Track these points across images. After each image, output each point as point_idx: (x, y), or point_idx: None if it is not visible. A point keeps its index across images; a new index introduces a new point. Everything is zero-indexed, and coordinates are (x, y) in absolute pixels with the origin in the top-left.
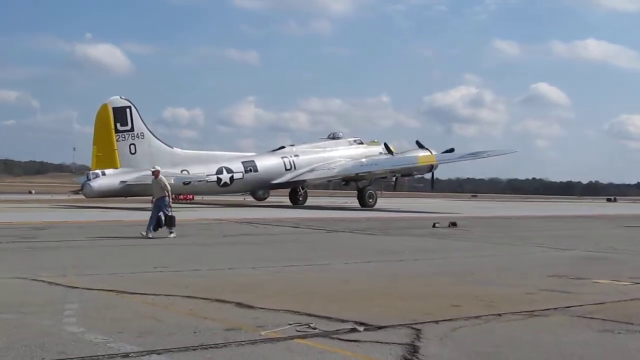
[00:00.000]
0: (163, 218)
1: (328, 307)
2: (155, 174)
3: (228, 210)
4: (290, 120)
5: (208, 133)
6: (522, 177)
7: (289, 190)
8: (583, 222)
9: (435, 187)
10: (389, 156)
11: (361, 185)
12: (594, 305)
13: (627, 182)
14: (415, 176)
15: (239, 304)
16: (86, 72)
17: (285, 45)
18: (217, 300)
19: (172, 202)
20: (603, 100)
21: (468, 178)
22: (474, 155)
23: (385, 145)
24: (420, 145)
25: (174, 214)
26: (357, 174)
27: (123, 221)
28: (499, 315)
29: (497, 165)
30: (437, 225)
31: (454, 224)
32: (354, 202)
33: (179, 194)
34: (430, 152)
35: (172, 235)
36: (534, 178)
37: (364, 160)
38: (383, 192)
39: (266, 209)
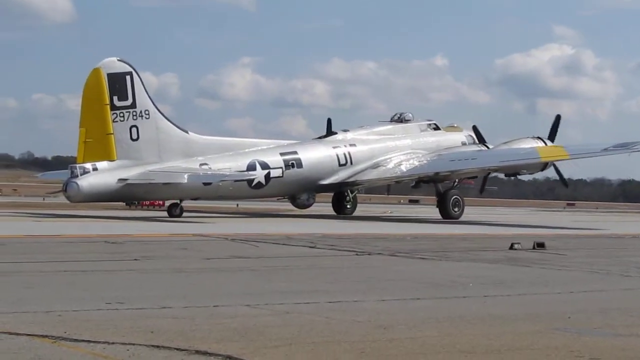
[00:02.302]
0: None
1: None
2: None
3: (216, 222)
4: (303, 92)
5: (184, 109)
6: (638, 177)
7: (332, 194)
8: None
9: (516, 191)
10: (480, 147)
11: (443, 188)
12: None
13: None
14: (521, 175)
15: (229, 358)
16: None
17: None
18: (198, 353)
19: (134, 208)
20: None
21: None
22: (624, 147)
23: (476, 130)
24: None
25: None
26: (438, 172)
27: (77, 236)
28: None
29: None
30: (516, 246)
31: (540, 245)
32: (399, 211)
33: (197, 197)
34: (544, 141)
35: None
36: None
37: (447, 152)
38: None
39: (277, 219)
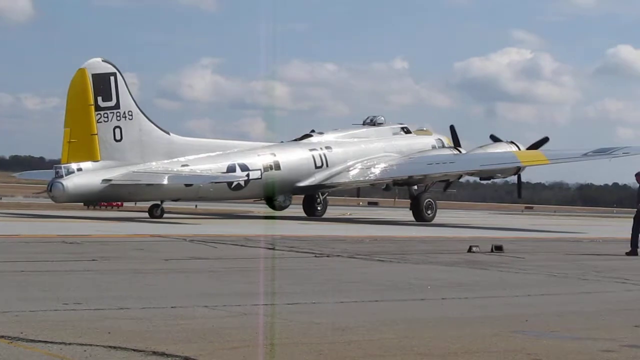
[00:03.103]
0: None
1: None
2: None
3: (175, 223)
4: (263, 93)
5: (143, 110)
6: (598, 182)
7: (302, 196)
8: None
9: (475, 194)
10: (453, 151)
11: (417, 191)
12: None
13: None
14: (494, 180)
15: None
16: None
17: None
18: (155, 354)
19: (95, 209)
20: None
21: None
22: (603, 152)
23: (453, 131)
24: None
25: None
26: (412, 176)
27: (35, 236)
28: None
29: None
30: (474, 249)
31: (498, 248)
32: (358, 213)
33: (178, 198)
34: (518, 146)
35: None
36: (615, 184)
37: (420, 155)
38: (397, 199)
39: (238, 221)
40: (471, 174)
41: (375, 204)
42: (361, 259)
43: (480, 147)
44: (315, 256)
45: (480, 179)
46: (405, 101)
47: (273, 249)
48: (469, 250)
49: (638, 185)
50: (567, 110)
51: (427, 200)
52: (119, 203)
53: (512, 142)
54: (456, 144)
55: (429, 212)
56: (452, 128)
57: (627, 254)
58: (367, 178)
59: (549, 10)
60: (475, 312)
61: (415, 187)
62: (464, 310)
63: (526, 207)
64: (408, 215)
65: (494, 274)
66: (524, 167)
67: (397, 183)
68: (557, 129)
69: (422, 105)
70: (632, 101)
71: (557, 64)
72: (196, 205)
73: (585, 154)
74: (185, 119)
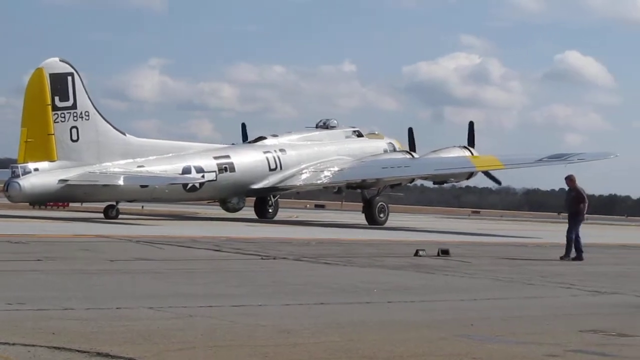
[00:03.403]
0: None
1: None
2: None
3: (121, 224)
4: (211, 94)
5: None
6: (544, 187)
7: (254, 198)
8: (631, 254)
9: (422, 198)
10: (406, 155)
11: (369, 194)
12: None
13: None
14: (448, 183)
15: None
16: None
17: None
18: (99, 355)
19: (41, 209)
20: None
21: (467, 187)
22: (558, 158)
23: (410, 134)
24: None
25: None
26: (365, 179)
27: None
28: None
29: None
30: (421, 253)
31: (445, 252)
32: (306, 216)
33: (133, 199)
34: (470, 150)
35: None
36: (562, 189)
37: (373, 159)
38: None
39: (186, 222)
40: (425, 178)
41: (322, 206)
42: (307, 261)
43: (434, 151)
44: (262, 258)
45: (434, 183)
46: (353, 104)
47: (219, 250)
48: (416, 254)
49: (567, 189)
50: (515, 115)
51: (379, 204)
52: (65, 203)
53: (464, 147)
54: (412, 147)
55: (382, 215)
56: (410, 131)
57: (562, 258)
58: (321, 181)
59: (498, 15)
60: (421, 315)
61: (368, 190)
62: (409, 313)
63: (473, 212)
64: (356, 218)
65: (440, 278)
66: (477, 172)
67: (351, 186)
68: (505, 134)
69: (370, 109)
70: (579, 107)
71: (505, 69)
72: (142, 207)
73: (540, 160)
74: (132, 119)
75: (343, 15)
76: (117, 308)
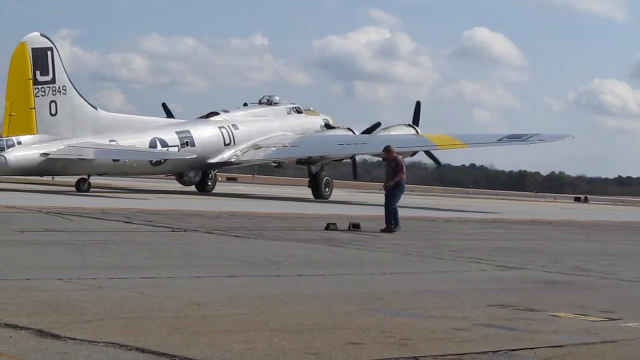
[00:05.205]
0: None
1: (170, 340)
2: None
3: (29, 194)
4: (121, 66)
5: None
6: (454, 162)
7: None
8: (539, 230)
9: (333, 173)
10: (347, 132)
11: (315, 170)
12: (551, 348)
13: (604, 176)
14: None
15: (40, 332)
16: None
17: None
18: (8, 326)
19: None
20: (570, 59)
21: (372, 162)
22: (518, 138)
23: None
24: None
25: None
26: (322, 156)
27: None
28: (415, 359)
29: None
30: (331, 226)
31: (356, 226)
32: (219, 188)
33: (104, 173)
34: (415, 129)
35: None
36: (472, 165)
37: (322, 134)
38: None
39: (99, 197)
40: (379, 156)
41: (234, 179)
42: (218, 234)
43: (384, 128)
44: (172, 231)
45: (382, 160)
46: (264, 78)
47: (130, 222)
48: (327, 227)
49: (387, 160)
50: (425, 90)
51: (325, 179)
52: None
53: (410, 125)
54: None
55: (327, 189)
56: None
57: (382, 230)
58: (275, 157)
59: None
60: (331, 289)
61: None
62: (319, 287)
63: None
64: (271, 191)
65: (350, 251)
66: (417, 152)
67: (300, 161)
68: (412, 109)
69: (282, 83)
70: (488, 83)
71: (415, 44)
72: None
73: (500, 140)
74: None
75: None
76: (26, 279)
